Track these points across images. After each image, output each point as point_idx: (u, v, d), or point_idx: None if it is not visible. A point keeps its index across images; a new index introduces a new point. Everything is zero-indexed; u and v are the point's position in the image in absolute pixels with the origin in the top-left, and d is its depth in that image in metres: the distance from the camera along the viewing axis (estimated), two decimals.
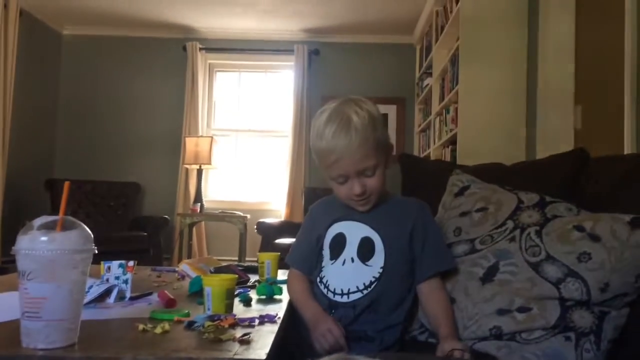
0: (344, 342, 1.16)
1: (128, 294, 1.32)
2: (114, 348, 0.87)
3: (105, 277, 1.35)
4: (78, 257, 0.86)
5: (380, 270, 1.25)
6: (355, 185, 1.23)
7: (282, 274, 1.74)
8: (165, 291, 1.31)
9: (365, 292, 1.24)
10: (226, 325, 1.02)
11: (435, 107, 4.61)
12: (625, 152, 2.32)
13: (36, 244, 0.83)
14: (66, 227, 0.87)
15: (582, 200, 1.35)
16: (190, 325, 1.02)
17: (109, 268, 1.35)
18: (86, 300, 1.23)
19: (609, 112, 2.77)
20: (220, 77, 6.24)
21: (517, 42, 3.52)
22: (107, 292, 1.28)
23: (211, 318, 1.05)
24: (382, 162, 1.25)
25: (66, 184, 0.91)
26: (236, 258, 5.10)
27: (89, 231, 0.89)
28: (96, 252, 0.90)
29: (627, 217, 1.15)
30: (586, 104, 3.14)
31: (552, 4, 3.16)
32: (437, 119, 4.56)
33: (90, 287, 1.27)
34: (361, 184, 1.23)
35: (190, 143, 5.32)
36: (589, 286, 1.11)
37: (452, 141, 3.91)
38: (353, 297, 1.24)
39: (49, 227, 0.85)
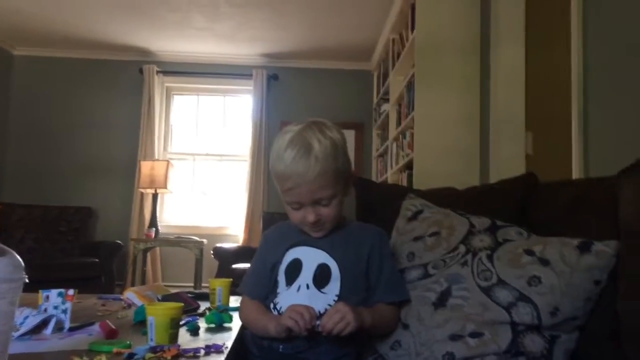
0: (316, 321, 1.13)
1: (67, 325, 1.25)
2: None
3: (43, 307, 1.28)
4: (6, 286, 0.80)
5: (336, 298, 1.22)
6: (309, 214, 1.20)
7: (234, 301, 1.69)
8: (107, 321, 1.25)
9: (319, 320, 1.20)
10: (169, 357, 0.97)
11: (393, 132, 4.66)
12: (574, 177, 2.38)
13: None
14: None
15: (533, 224, 1.37)
16: (130, 357, 0.97)
17: (47, 297, 1.28)
18: (20, 332, 1.16)
19: (558, 138, 2.84)
20: (177, 100, 6.16)
21: (471, 70, 3.60)
22: (44, 323, 1.21)
23: (153, 349, 1.00)
24: (339, 192, 1.22)
25: None
26: (192, 284, 4.99)
27: (19, 258, 0.83)
28: (27, 281, 0.84)
29: (575, 242, 1.16)
30: (537, 130, 3.22)
31: (503, 33, 3.25)
32: (394, 144, 4.61)
33: (26, 317, 1.20)
34: (316, 212, 1.20)
35: (145, 167, 5.21)
36: (540, 310, 1.11)
37: (409, 166, 3.95)
38: None
39: None
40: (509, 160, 3.12)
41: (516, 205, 1.47)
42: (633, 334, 1.05)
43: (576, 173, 2.39)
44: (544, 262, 1.16)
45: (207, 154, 6.05)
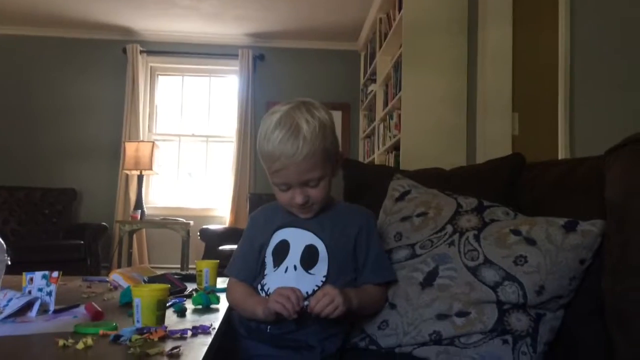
0: (303, 303, 1.12)
1: (52, 307, 1.23)
2: None
3: (27, 289, 1.26)
4: None
5: (323, 279, 1.21)
6: (298, 195, 1.19)
7: (221, 282, 1.69)
8: (93, 303, 1.23)
9: (307, 301, 1.20)
10: (155, 339, 0.96)
11: (380, 113, 4.65)
12: (560, 158, 2.40)
13: None
14: None
15: (519, 205, 1.37)
16: (116, 339, 0.95)
17: (31, 279, 1.26)
18: (4, 314, 1.15)
19: (545, 119, 2.85)
20: (162, 81, 6.08)
21: (458, 50, 3.59)
22: (28, 305, 1.19)
23: (140, 331, 0.99)
24: (328, 173, 1.21)
25: None
26: (179, 266, 4.98)
27: (1, 241, 0.82)
28: (9, 263, 0.83)
29: (561, 221, 1.17)
30: (523, 111, 3.23)
31: (490, 13, 3.24)
32: (382, 125, 4.60)
33: (10, 300, 1.18)
34: (304, 194, 1.19)
35: (130, 148, 5.15)
36: (525, 289, 1.12)
37: (396, 147, 3.95)
38: None
39: None
40: (496, 141, 3.13)
41: (503, 186, 1.47)
42: (616, 312, 1.07)
43: (562, 153, 2.40)
44: (530, 241, 1.16)
45: (192, 135, 6.00)
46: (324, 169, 1.19)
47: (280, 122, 1.16)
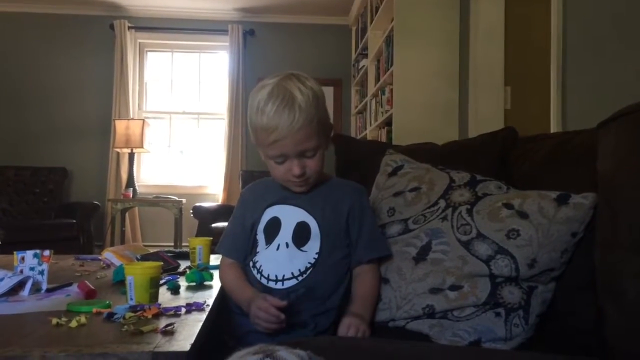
0: (284, 316, 1.10)
1: (44, 286, 1.23)
2: (21, 345, 0.79)
3: (18, 269, 1.26)
4: None
5: (316, 256, 1.21)
6: (295, 166, 1.18)
7: (214, 259, 1.69)
8: (86, 281, 1.23)
9: (300, 278, 1.20)
10: (149, 316, 0.96)
11: (371, 88, 4.62)
12: (552, 131, 2.40)
13: None
14: None
15: (512, 178, 1.37)
16: (109, 317, 0.96)
17: (22, 258, 1.26)
18: None
19: (537, 93, 2.85)
20: (151, 58, 6.00)
21: (450, 24, 3.56)
22: (20, 285, 1.19)
23: (133, 309, 0.99)
24: (323, 144, 1.21)
25: None
26: (172, 244, 4.98)
27: None
28: (0, 242, 0.82)
29: (553, 194, 1.17)
30: (515, 85, 3.22)
31: None
32: (373, 100, 4.58)
33: (1, 279, 1.18)
34: (301, 165, 1.18)
35: (120, 126, 5.11)
36: (518, 262, 1.12)
37: (388, 122, 3.94)
38: (288, 283, 1.20)
39: None
40: (488, 115, 3.13)
41: (495, 160, 1.47)
42: (607, 284, 1.07)
43: (554, 127, 2.40)
44: (523, 215, 1.16)
45: (183, 112, 5.95)
46: (319, 138, 1.18)
47: (272, 93, 1.14)
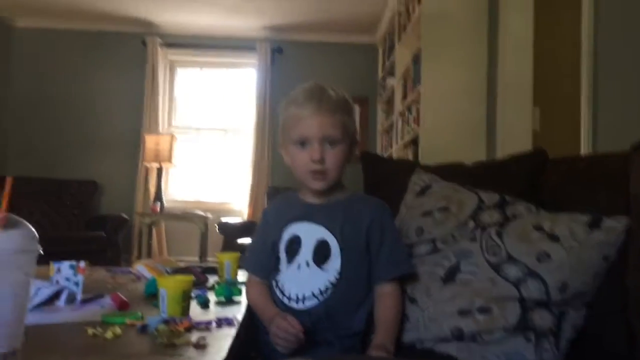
0: (303, 336, 1.10)
1: (79, 297, 1.26)
2: (59, 354, 0.82)
3: (54, 279, 1.29)
4: (22, 257, 0.81)
5: (338, 276, 1.21)
6: (315, 152, 1.20)
7: (242, 275, 1.70)
8: (119, 293, 1.26)
9: (321, 298, 1.20)
10: (181, 329, 0.98)
11: (398, 107, 4.63)
12: (582, 152, 2.37)
13: None
14: (9, 225, 0.81)
15: (542, 200, 1.36)
16: (143, 329, 0.98)
17: (58, 269, 1.29)
18: (33, 303, 1.17)
19: (566, 114, 2.82)
20: (181, 74, 6.12)
21: (478, 43, 3.56)
22: (56, 295, 1.22)
23: (166, 321, 1.01)
24: (346, 144, 1.24)
25: (8, 180, 0.85)
26: (197, 258, 5.03)
27: (34, 230, 0.84)
28: (41, 252, 0.85)
29: (585, 218, 1.16)
30: (544, 105, 3.20)
31: (511, 3, 3.20)
32: (400, 119, 4.58)
33: (39, 289, 1.21)
34: (321, 150, 1.20)
35: (150, 141, 5.21)
36: (548, 286, 1.11)
37: (414, 141, 3.93)
38: (308, 303, 1.20)
39: None
40: (516, 135, 3.11)
41: (526, 181, 1.46)
42: None
43: (584, 148, 2.37)
44: (554, 238, 1.16)
45: (211, 128, 6.04)
46: (342, 136, 1.22)
47: (306, 88, 1.25)
